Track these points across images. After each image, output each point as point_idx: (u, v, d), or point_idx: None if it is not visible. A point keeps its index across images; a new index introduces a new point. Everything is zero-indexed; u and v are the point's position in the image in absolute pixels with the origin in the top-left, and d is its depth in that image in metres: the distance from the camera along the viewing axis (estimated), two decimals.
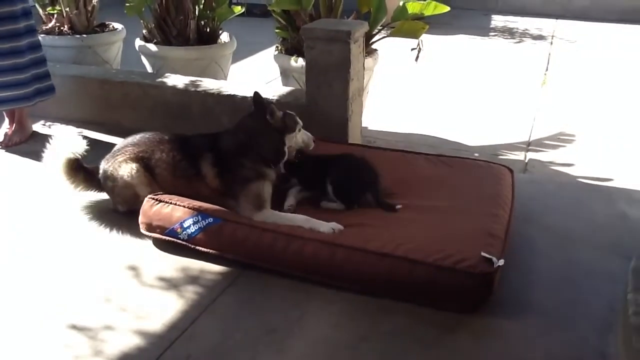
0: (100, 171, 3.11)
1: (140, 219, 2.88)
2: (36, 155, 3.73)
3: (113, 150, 3.14)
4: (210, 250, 2.72)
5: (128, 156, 3.02)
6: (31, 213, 3.17)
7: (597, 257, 2.84)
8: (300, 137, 3.08)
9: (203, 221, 2.73)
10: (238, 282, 2.63)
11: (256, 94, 2.98)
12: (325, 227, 2.72)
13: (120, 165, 3.00)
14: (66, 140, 3.17)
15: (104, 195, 3.21)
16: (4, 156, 3.89)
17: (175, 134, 3.13)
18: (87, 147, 3.18)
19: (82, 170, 3.19)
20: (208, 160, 2.93)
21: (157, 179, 3.00)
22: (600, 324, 2.38)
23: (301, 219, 2.78)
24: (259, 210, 2.82)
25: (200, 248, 2.74)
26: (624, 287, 2.40)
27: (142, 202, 2.91)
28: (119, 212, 3.12)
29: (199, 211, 2.77)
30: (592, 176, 3.84)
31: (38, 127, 4.33)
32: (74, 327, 2.32)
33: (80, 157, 3.16)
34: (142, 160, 3.00)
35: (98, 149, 3.38)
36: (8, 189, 3.44)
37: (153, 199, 2.87)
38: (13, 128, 4.06)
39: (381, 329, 2.34)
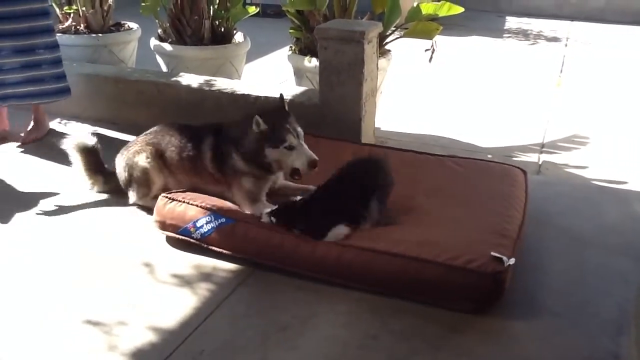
0: (117, 163, 3.22)
1: (154, 217, 2.91)
2: (52, 152, 3.79)
3: (127, 144, 3.27)
4: (223, 250, 2.74)
5: (141, 145, 3.16)
6: (46, 209, 3.21)
7: (610, 259, 2.83)
8: (292, 158, 2.85)
9: (216, 221, 2.75)
10: (250, 280, 2.65)
11: (281, 95, 3.04)
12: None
13: (135, 154, 3.13)
14: (80, 136, 3.34)
15: (119, 195, 3.25)
16: (21, 153, 3.94)
17: (185, 124, 3.24)
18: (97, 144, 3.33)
19: (102, 172, 3.33)
20: (208, 143, 3.02)
21: (167, 162, 3.11)
22: (612, 326, 2.37)
23: None
24: (254, 204, 2.87)
25: (213, 247, 2.76)
26: (637, 289, 2.40)
27: (154, 190, 3.05)
28: (133, 211, 3.16)
29: (212, 211, 2.80)
30: (606, 178, 3.82)
31: (54, 125, 4.38)
32: (88, 322, 2.35)
33: (97, 148, 3.31)
34: (154, 145, 3.13)
35: (113, 147, 3.42)
36: (25, 185, 3.49)
37: (167, 197, 2.91)
38: (30, 125, 4.11)
39: (391, 328, 2.35)
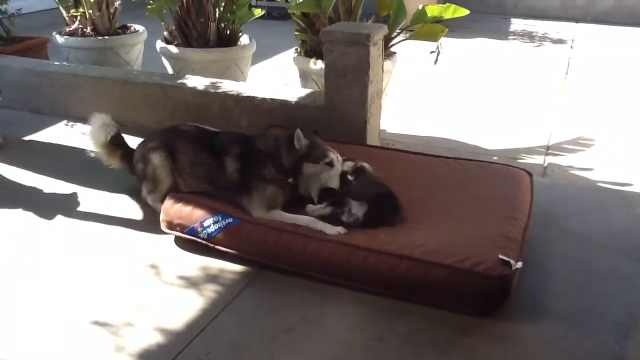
0: (135, 152, 3.29)
1: (161, 216, 2.93)
2: (55, 154, 3.80)
3: (147, 137, 3.32)
4: (230, 250, 2.75)
5: (158, 142, 3.19)
6: (50, 211, 3.23)
7: (615, 262, 2.82)
8: (327, 177, 2.93)
9: (223, 221, 2.76)
10: (256, 281, 2.66)
11: (315, 131, 3.09)
12: (332, 229, 2.73)
13: (150, 150, 3.16)
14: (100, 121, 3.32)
15: (126, 196, 3.28)
16: (24, 154, 3.96)
17: (206, 128, 3.27)
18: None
19: (122, 148, 3.35)
20: (233, 153, 3.01)
21: (179, 166, 3.13)
22: (618, 329, 2.37)
23: (307, 220, 2.81)
24: (268, 211, 2.85)
25: (220, 247, 2.77)
26: None
27: (161, 189, 3.08)
28: (139, 212, 3.19)
29: (219, 211, 2.81)
30: (611, 181, 3.82)
31: (60, 126, 4.40)
32: (95, 323, 2.37)
33: (117, 132, 3.32)
34: (169, 146, 3.16)
35: None
36: (28, 186, 3.51)
37: (174, 197, 2.93)
38: None
39: (397, 330, 2.35)
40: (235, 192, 2.96)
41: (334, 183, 2.92)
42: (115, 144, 3.34)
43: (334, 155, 2.97)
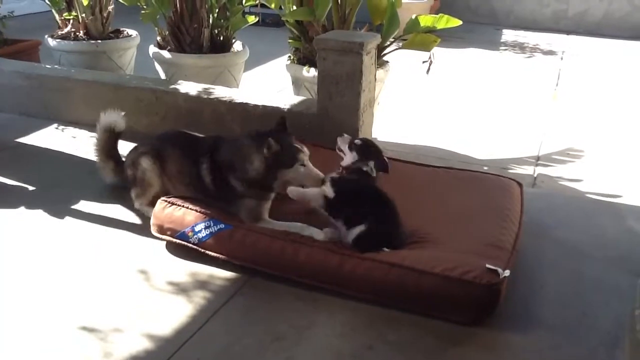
0: (126, 159, 3.32)
1: (152, 220, 2.92)
2: (48, 158, 3.79)
3: (138, 144, 3.34)
4: (220, 256, 2.74)
5: (147, 148, 3.22)
6: (40, 215, 3.21)
7: (605, 272, 2.84)
8: (300, 174, 2.83)
9: (214, 227, 2.76)
10: (246, 288, 2.64)
11: (283, 118, 2.98)
12: (319, 234, 2.74)
13: (140, 155, 3.19)
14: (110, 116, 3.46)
15: (116, 201, 3.27)
16: (16, 157, 3.93)
17: (193, 135, 3.27)
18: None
19: (114, 160, 3.43)
20: (206, 165, 3.01)
21: (167, 173, 3.15)
22: (607, 339, 2.38)
23: (298, 227, 2.81)
24: (257, 222, 2.85)
25: (210, 253, 2.76)
26: (632, 303, 2.41)
27: (150, 193, 3.11)
28: (130, 217, 3.17)
29: (210, 216, 2.81)
30: (601, 192, 3.84)
31: (51, 130, 4.38)
32: (84, 328, 2.35)
33: (119, 131, 3.46)
34: (158, 151, 3.18)
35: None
36: (20, 189, 3.49)
37: (165, 201, 2.92)
38: None
39: (387, 339, 2.35)
40: (221, 201, 2.95)
41: (309, 181, 2.81)
42: (109, 155, 3.41)
43: (305, 156, 2.83)
